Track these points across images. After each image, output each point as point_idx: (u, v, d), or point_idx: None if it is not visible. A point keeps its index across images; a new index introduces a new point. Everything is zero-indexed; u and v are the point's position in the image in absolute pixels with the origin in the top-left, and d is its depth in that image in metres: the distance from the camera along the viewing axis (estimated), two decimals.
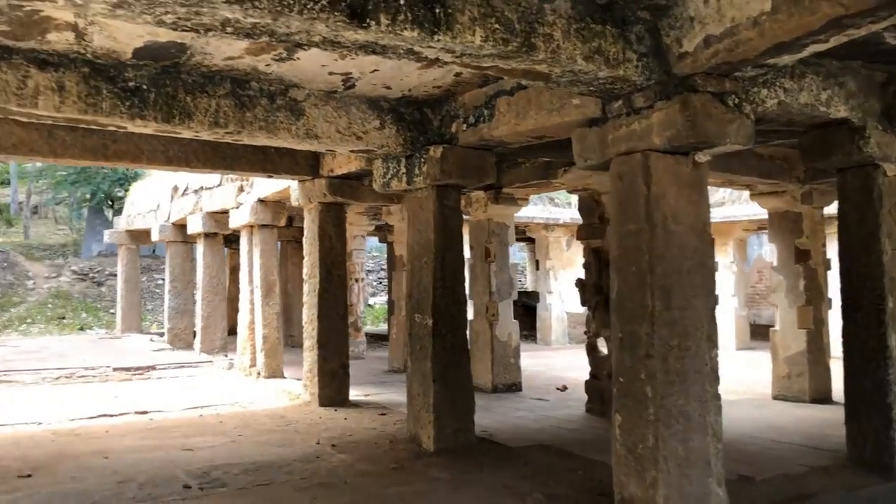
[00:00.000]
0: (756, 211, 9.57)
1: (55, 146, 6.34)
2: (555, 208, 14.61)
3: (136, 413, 7.25)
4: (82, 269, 22.60)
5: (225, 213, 10.57)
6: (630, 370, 3.97)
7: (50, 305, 20.00)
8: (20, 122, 6.21)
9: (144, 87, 4.61)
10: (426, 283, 5.69)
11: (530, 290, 19.73)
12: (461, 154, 5.44)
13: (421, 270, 5.76)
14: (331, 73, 4.79)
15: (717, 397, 3.98)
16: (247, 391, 8.55)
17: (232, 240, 13.80)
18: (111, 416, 7.12)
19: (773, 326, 8.13)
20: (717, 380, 3.99)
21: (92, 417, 7.03)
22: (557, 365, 11.34)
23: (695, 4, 3.54)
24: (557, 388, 8.91)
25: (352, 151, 5.67)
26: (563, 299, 14.47)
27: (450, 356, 5.66)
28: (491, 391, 8.44)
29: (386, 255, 20.84)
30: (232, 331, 12.27)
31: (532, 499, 4.54)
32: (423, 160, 5.52)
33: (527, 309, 17.54)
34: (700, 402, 3.88)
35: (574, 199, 16.60)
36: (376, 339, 15.36)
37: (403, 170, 5.75)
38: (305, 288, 7.86)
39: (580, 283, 7.53)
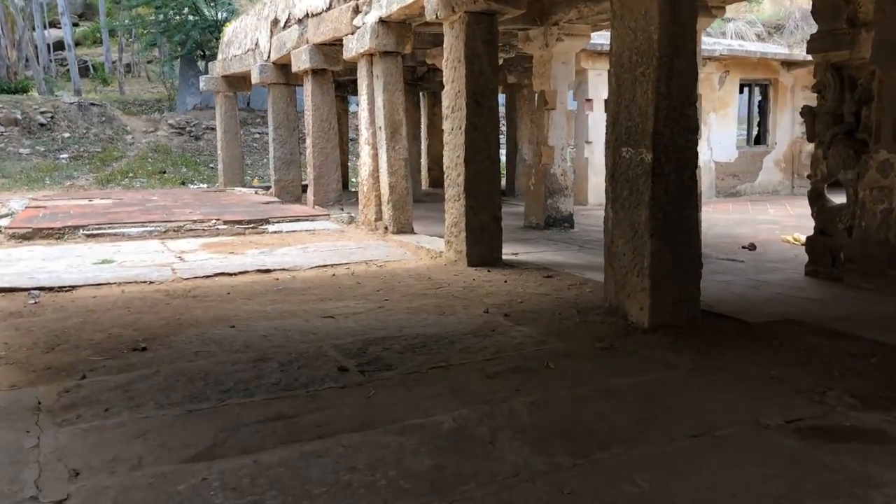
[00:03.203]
0: None
1: None
2: (706, 38, 12.39)
3: (259, 271, 6.19)
4: (179, 123, 21.88)
5: (336, 43, 9.09)
6: None
7: (150, 160, 19.46)
8: None
9: None
10: (643, 104, 4.13)
11: None
12: None
13: (634, 86, 4.18)
14: None
15: None
16: (377, 248, 7.38)
17: (339, 84, 12.41)
18: (230, 274, 6.09)
19: None
20: None
21: (208, 276, 6.02)
22: (718, 221, 9.72)
23: None
24: (744, 248, 7.38)
25: None
26: (710, 146, 12.56)
27: (674, 203, 4.18)
28: None
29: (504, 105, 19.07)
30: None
31: (834, 397, 3.17)
32: None
33: None
34: None
35: (730, 27, 14.24)
36: None
37: None
38: (447, 125, 6.42)
39: (808, 112, 5.77)
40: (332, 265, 6.45)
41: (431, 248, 6.89)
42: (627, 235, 4.31)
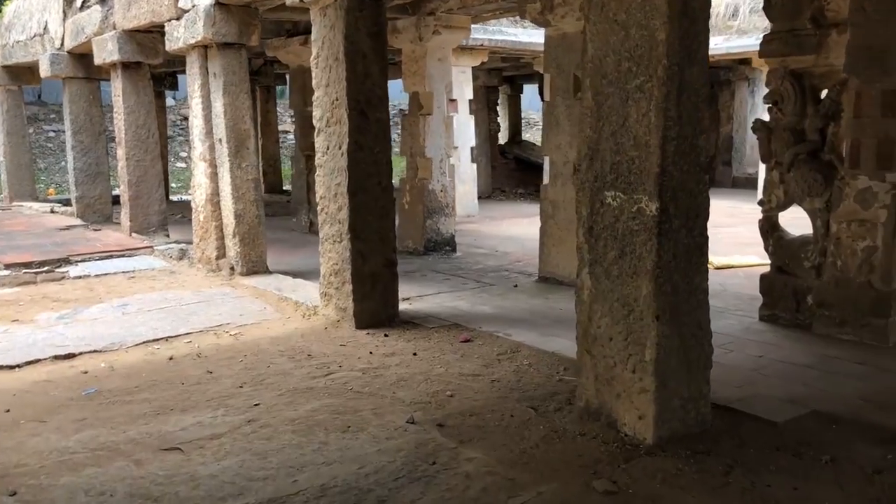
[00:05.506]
0: None
1: None
2: None
3: (57, 358, 4.31)
4: None
5: (154, 31, 7.15)
6: None
7: None
8: None
9: None
10: (640, 132, 2.88)
11: (530, 141, 17.11)
12: None
13: (625, 106, 2.92)
14: None
15: None
16: (225, 301, 5.64)
17: (154, 77, 10.25)
18: (11, 367, 4.17)
19: None
20: None
21: None
22: None
23: None
24: None
25: None
26: None
27: (683, 270, 2.99)
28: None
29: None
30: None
31: None
32: None
33: (521, 164, 15.03)
34: None
35: None
36: None
37: None
38: (319, 142, 4.88)
39: (763, 127, 4.84)
40: (166, 338, 4.67)
41: (300, 301, 5.30)
42: (617, 314, 3.06)
